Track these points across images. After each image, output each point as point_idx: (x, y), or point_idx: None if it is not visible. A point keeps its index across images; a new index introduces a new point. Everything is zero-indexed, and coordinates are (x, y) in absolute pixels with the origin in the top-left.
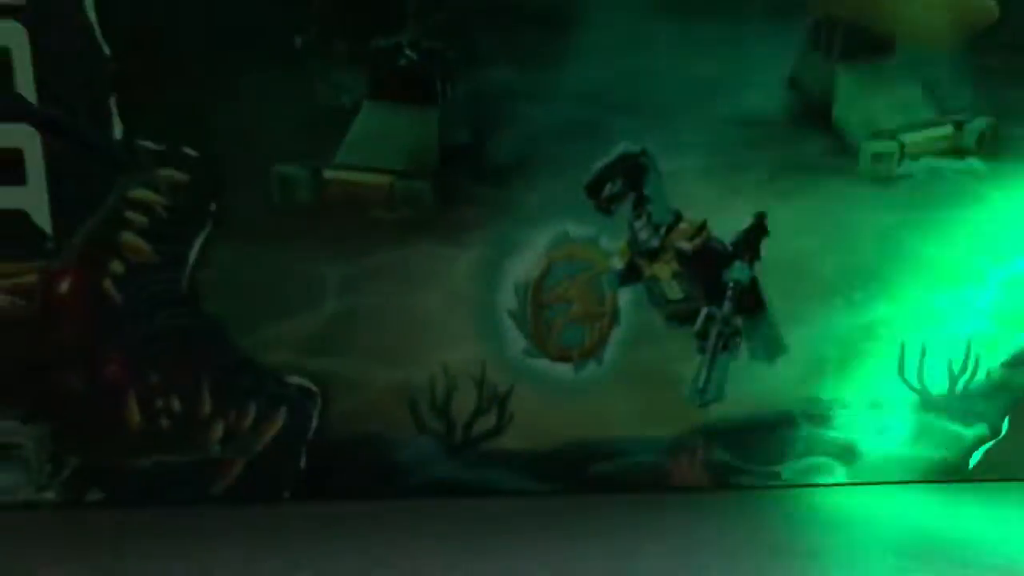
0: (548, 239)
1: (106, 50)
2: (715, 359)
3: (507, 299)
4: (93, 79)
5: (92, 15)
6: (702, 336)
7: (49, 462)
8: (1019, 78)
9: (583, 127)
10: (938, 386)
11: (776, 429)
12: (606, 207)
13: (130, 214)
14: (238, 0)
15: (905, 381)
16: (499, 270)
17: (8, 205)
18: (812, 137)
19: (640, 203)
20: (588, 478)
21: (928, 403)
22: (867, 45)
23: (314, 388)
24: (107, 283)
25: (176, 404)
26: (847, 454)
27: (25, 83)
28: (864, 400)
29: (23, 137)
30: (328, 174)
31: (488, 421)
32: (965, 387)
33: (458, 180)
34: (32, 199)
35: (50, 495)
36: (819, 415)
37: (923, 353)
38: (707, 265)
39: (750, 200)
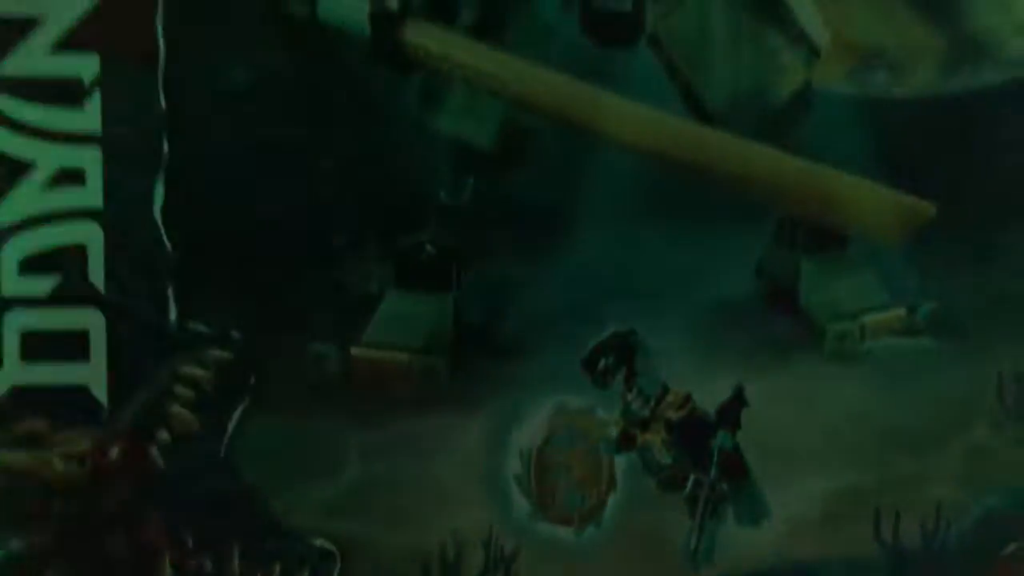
0: (549, 409)
1: (168, 246)
2: (704, 523)
3: (513, 465)
4: (155, 270)
5: (158, 217)
6: (692, 501)
7: None
8: (959, 266)
9: (579, 310)
10: (913, 549)
11: None
12: (601, 381)
13: (179, 388)
14: (283, 206)
15: (881, 543)
16: (506, 438)
17: (72, 380)
18: (781, 319)
19: (631, 377)
20: None
21: (905, 565)
22: (824, 238)
23: (334, 550)
24: (153, 451)
25: (208, 565)
26: None
27: (96, 274)
28: (844, 561)
29: (90, 320)
30: (355, 352)
31: None
32: (939, 549)
33: (470, 357)
34: (93, 374)
35: None
36: (803, 575)
37: (896, 515)
38: (693, 434)
39: (729, 375)
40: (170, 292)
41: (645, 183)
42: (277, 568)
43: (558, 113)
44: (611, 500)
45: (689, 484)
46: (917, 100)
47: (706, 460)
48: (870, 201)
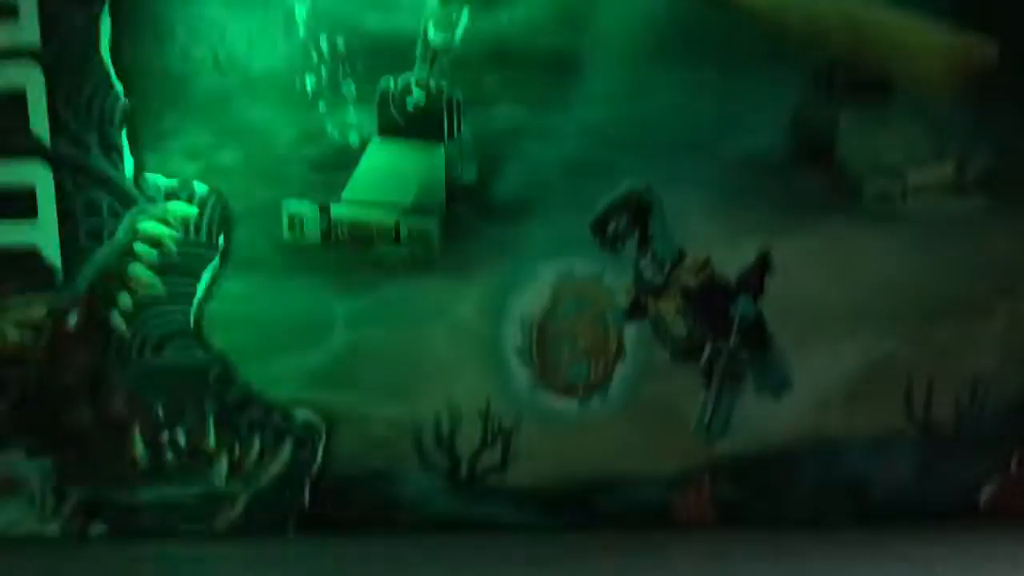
0: (554, 275)
1: (119, 88)
2: (720, 394)
3: (513, 334)
4: (105, 116)
5: (106, 56)
6: (707, 371)
7: (53, 495)
8: (1017, 117)
9: (588, 165)
10: (945, 422)
11: (783, 465)
12: (611, 244)
13: (139, 247)
14: (249, 44)
15: (912, 417)
16: (505, 306)
17: (20, 240)
18: (815, 175)
19: (645, 240)
20: (594, 514)
21: (935, 439)
22: (868, 86)
23: (319, 423)
24: (115, 316)
25: (180, 438)
26: (855, 492)
27: (39, 121)
28: (871, 436)
29: (36, 173)
30: (336, 210)
31: (493, 456)
32: (972, 423)
33: (464, 217)
34: (43, 235)
35: (53, 528)
36: (826, 451)
37: (930, 388)
38: (712, 301)
39: (754, 237)
40: (124, 141)
41: (664, 22)
42: (256, 441)
43: None
44: (619, 371)
45: (705, 354)
46: None
47: (725, 328)
48: (921, 43)
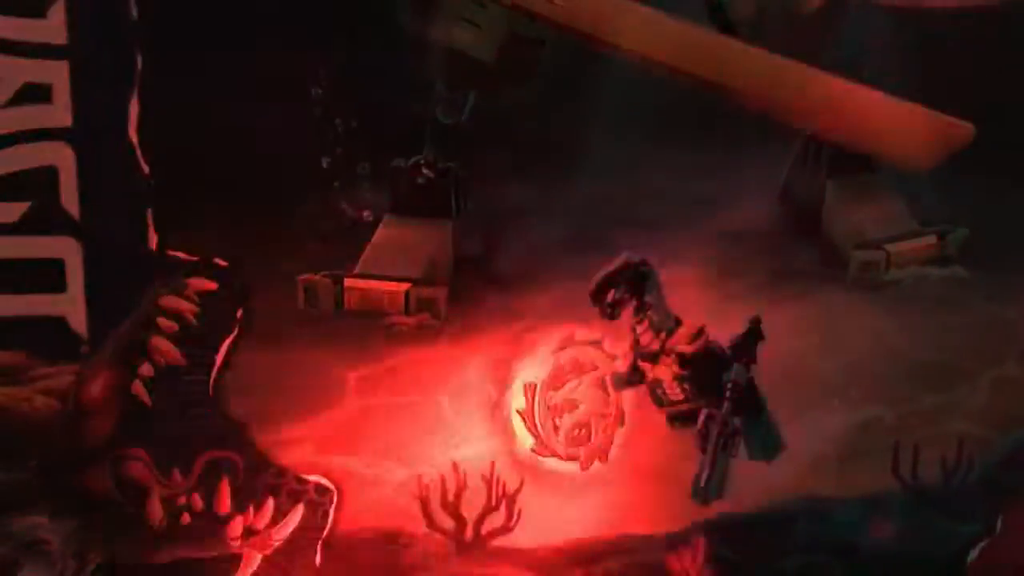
0: (555, 342)
1: (145, 168)
2: (716, 458)
3: (516, 399)
4: (132, 195)
5: (133, 136)
6: (703, 435)
7: (73, 558)
8: (994, 193)
9: (588, 239)
10: (932, 484)
11: (776, 526)
12: (610, 312)
13: (161, 320)
14: (269, 124)
15: (900, 479)
16: (509, 372)
17: (49, 311)
18: (803, 247)
19: (642, 309)
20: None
21: (923, 501)
22: (852, 162)
23: (330, 486)
24: (137, 385)
25: (198, 501)
26: (845, 551)
27: (69, 199)
28: (860, 497)
29: (65, 248)
30: (349, 282)
31: (497, 518)
32: (959, 485)
33: (471, 287)
34: (70, 305)
35: None
36: (817, 512)
37: (916, 451)
38: (706, 367)
39: (746, 306)
40: (149, 218)
41: (661, 102)
42: (271, 504)
43: (569, 22)
44: (618, 435)
45: (701, 419)
46: (956, 12)
47: (719, 394)
48: (904, 121)
